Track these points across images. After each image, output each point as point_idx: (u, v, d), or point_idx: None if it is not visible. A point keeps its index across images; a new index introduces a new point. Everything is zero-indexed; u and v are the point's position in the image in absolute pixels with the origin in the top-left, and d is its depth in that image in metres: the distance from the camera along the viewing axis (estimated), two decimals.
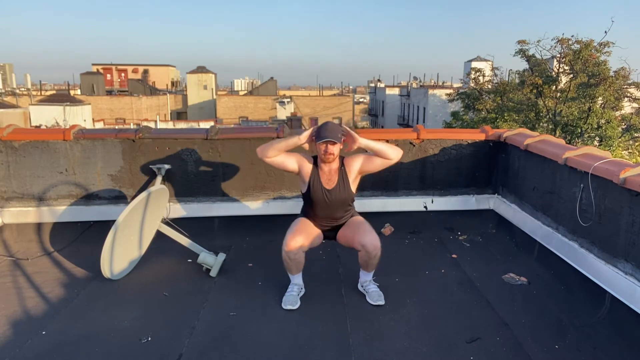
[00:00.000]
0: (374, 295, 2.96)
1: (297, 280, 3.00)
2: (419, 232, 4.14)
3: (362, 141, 2.88)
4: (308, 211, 3.07)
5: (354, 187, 3.00)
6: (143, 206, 3.28)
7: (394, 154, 2.92)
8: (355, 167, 2.96)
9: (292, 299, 2.90)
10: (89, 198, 3.96)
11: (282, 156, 2.94)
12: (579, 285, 2.99)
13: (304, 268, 2.97)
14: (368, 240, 2.88)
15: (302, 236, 2.90)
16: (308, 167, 2.95)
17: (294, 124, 30.35)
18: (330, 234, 3.10)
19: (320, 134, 2.84)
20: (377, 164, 2.96)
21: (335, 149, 2.86)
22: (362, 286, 3.06)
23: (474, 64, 27.65)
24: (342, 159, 2.99)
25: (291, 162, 2.96)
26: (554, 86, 19.75)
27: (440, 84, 49.35)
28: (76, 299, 2.98)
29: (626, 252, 2.67)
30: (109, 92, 47.70)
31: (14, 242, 3.86)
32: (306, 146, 2.99)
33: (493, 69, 23.69)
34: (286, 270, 2.96)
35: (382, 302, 2.90)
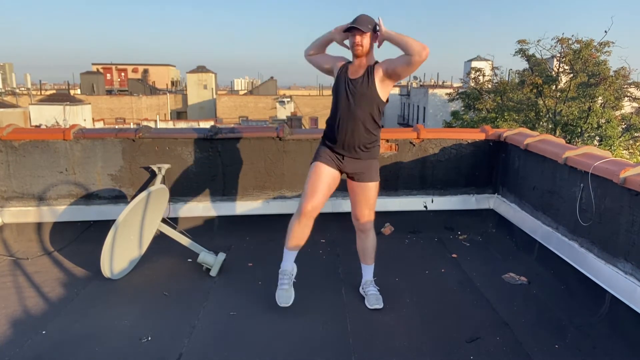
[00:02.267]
0: (372, 299, 2.92)
1: (290, 259, 2.90)
2: (419, 232, 4.15)
3: (385, 30, 2.68)
4: (327, 131, 2.89)
5: (380, 91, 2.73)
6: (143, 206, 3.28)
7: (416, 48, 2.55)
8: (382, 67, 2.72)
9: (284, 296, 2.82)
10: (89, 198, 3.96)
11: (320, 55, 2.96)
12: (578, 285, 2.99)
13: (303, 270, 2.96)
14: (366, 215, 2.88)
15: (319, 195, 2.80)
16: (341, 64, 2.87)
17: (294, 123, 30.35)
18: (346, 170, 2.90)
19: (350, 24, 2.71)
20: (400, 62, 2.64)
21: (364, 41, 2.68)
22: (362, 289, 3.04)
23: (474, 64, 27.67)
24: (374, 63, 2.78)
25: (326, 61, 2.94)
26: (554, 86, 19.76)
27: (441, 83, 49.36)
28: (76, 299, 2.98)
29: (626, 251, 2.67)
30: (109, 92, 47.73)
31: (14, 241, 3.86)
32: (339, 39, 2.87)
33: (493, 68, 23.71)
34: (286, 241, 2.86)
35: (379, 306, 2.88)
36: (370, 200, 2.93)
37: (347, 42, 2.81)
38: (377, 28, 2.71)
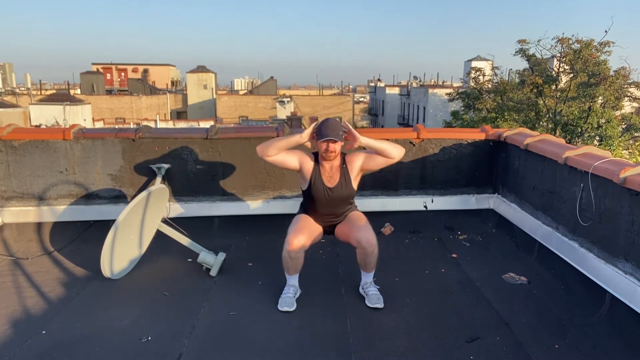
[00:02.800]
0: (373, 298, 2.93)
1: (293, 282, 2.98)
2: (419, 232, 4.14)
3: (363, 140, 2.87)
4: (308, 208, 3.06)
5: (355, 184, 3.00)
6: (143, 206, 3.28)
7: (396, 153, 2.90)
8: (357, 165, 2.96)
9: (288, 301, 2.88)
10: (89, 197, 3.96)
11: (283, 154, 2.90)
12: (578, 285, 2.99)
13: (302, 269, 2.97)
14: (363, 236, 2.87)
15: (305, 235, 2.89)
16: (309, 164, 2.93)
17: (294, 123, 30.34)
18: (330, 229, 3.10)
19: (322, 131, 2.80)
20: (379, 162, 2.94)
21: (337, 147, 2.84)
22: (362, 288, 3.04)
23: (474, 64, 27.65)
24: (343, 156, 2.98)
25: (292, 160, 2.93)
26: (554, 85, 19.75)
27: (441, 83, 49.36)
28: (76, 299, 2.98)
29: (626, 251, 2.67)
30: (109, 92, 47.72)
31: (14, 241, 3.86)
32: (308, 144, 3.00)
33: (493, 68, 23.70)
34: (284, 269, 2.95)
35: (380, 305, 2.88)
36: (361, 220, 3.00)
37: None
38: (346, 131, 2.90)
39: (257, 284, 3.21)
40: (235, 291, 3.11)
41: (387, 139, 4.08)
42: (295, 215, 3.11)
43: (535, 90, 20.01)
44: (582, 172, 3.03)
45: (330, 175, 2.93)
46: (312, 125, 2.94)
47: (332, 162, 2.93)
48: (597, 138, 18.36)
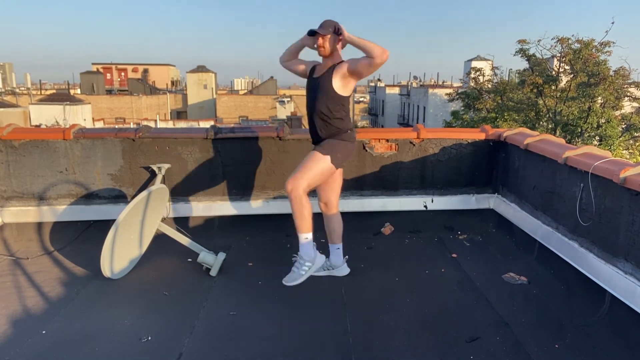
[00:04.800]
0: (287, 277, 2.93)
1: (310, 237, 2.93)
2: (419, 232, 4.14)
3: (347, 35, 2.86)
4: None
5: (339, 86, 2.89)
6: (143, 205, 3.28)
7: (377, 51, 2.72)
8: (344, 66, 2.91)
9: (292, 277, 2.92)
10: (89, 197, 3.96)
11: (294, 61, 3.19)
12: (578, 285, 2.99)
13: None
14: (291, 176, 2.84)
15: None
16: (311, 66, 3.11)
17: (294, 123, 30.32)
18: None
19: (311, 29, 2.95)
20: (362, 62, 2.81)
21: (325, 43, 2.90)
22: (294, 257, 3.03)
23: (474, 64, 27.64)
24: (340, 62, 2.97)
25: (300, 64, 3.18)
26: (554, 85, 19.76)
27: (441, 83, 49.37)
28: (76, 298, 2.98)
29: (626, 251, 2.67)
30: (109, 92, 47.73)
31: (14, 241, 3.86)
32: (310, 44, 3.08)
33: (493, 68, 23.70)
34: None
35: (288, 284, 2.89)
36: (299, 165, 2.89)
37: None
38: (339, 31, 2.88)
39: (257, 284, 3.21)
40: (235, 291, 3.11)
41: (387, 139, 4.10)
42: None
43: (535, 90, 20.02)
44: (582, 172, 3.03)
45: (320, 70, 3.01)
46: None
47: (326, 61, 2.98)
48: (597, 138, 18.36)
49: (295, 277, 2.90)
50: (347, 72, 2.88)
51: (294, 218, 2.86)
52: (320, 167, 2.88)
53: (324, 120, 2.96)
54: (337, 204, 3.17)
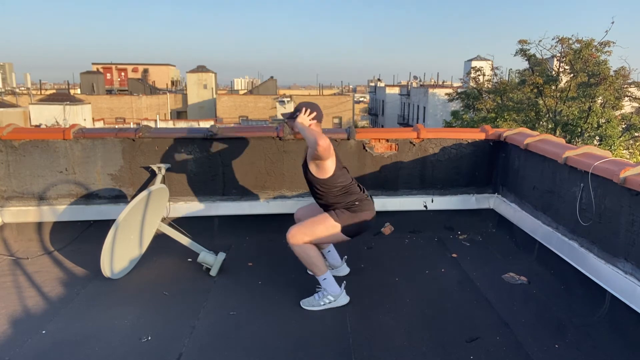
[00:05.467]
0: (306, 300, 2.93)
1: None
2: (419, 232, 4.14)
3: (297, 124, 2.85)
4: None
5: (316, 171, 2.85)
6: (143, 205, 3.28)
7: (311, 143, 2.73)
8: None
9: (308, 302, 2.92)
10: (89, 197, 3.96)
11: None
12: (578, 285, 2.99)
13: (302, 268, 2.95)
14: (293, 227, 2.87)
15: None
16: None
17: None
18: None
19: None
20: (309, 151, 2.81)
21: (293, 126, 2.92)
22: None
23: (474, 63, 27.65)
24: None
25: None
26: (554, 85, 19.76)
27: (441, 83, 49.37)
28: (76, 298, 2.98)
29: (626, 251, 2.67)
30: (109, 92, 47.72)
31: (14, 241, 3.86)
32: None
33: (493, 68, 23.70)
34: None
35: (305, 307, 2.88)
36: (309, 220, 2.90)
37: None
38: (295, 116, 2.89)
39: (257, 284, 3.21)
40: (235, 291, 3.11)
41: (387, 139, 4.10)
42: None
43: (535, 90, 20.03)
44: (582, 172, 3.03)
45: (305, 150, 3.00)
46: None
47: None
48: (597, 138, 18.37)
49: (313, 304, 2.89)
50: (307, 153, 2.88)
51: (305, 265, 2.90)
52: (327, 232, 2.87)
53: (321, 192, 2.91)
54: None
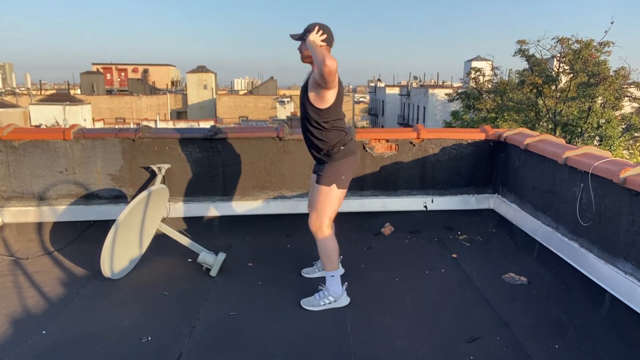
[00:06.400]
0: (306, 300, 2.93)
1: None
2: (419, 232, 4.15)
3: (308, 43, 2.67)
4: None
5: (314, 98, 2.72)
6: (143, 206, 3.28)
7: (318, 61, 2.55)
8: (312, 75, 2.75)
9: (307, 301, 2.92)
10: (89, 197, 3.96)
11: None
12: (579, 285, 2.99)
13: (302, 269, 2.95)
14: (311, 217, 2.88)
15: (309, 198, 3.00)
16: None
17: (294, 123, 30.33)
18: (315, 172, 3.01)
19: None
20: (315, 72, 2.66)
21: (301, 48, 2.79)
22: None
23: (474, 64, 27.65)
24: None
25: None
26: (554, 86, 19.76)
27: (441, 83, 49.38)
28: (76, 299, 2.98)
29: (626, 251, 2.67)
30: (109, 92, 47.73)
31: (14, 241, 3.86)
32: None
33: (493, 68, 23.70)
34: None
35: (304, 306, 2.88)
36: (314, 203, 2.91)
37: None
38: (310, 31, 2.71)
39: (257, 284, 3.21)
40: (235, 291, 3.11)
41: (387, 139, 4.10)
42: None
43: (535, 91, 20.03)
44: (582, 172, 3.03)
45: (305, 79, 2.90)
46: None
47: (312, 69, 2.81)
48: (597, 138, 18.37)
49: (314, 304, 2.89)
50: (314, 83, 2.70)
51: (320, 256, 2.91)
52: (331, 198, 2.87)
53: (313, 134, 2.82)
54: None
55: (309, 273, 3.25)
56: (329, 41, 2.74)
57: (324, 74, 2.53)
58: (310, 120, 2.80)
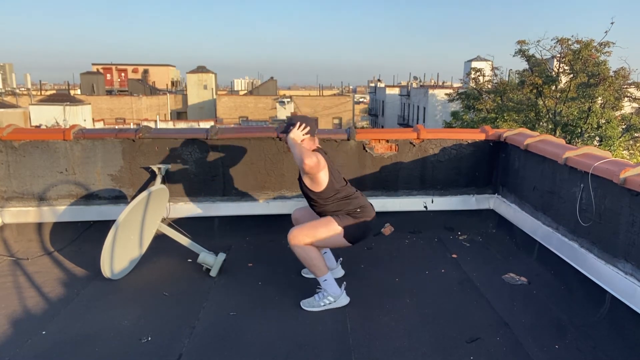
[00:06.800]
0: (306, 301, 2.92)
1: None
2: (419, 232, 4.15)
3: (289, 140, 2.86)
4: None
5: (310, 184, 2.85)
6: (143, 206, 3.28)
7: (297, 160, 2.76)
8: None
9: (309, 302, 2.92)
10: (89, 198, 3.96)
11: None
12: (579, 285, 2.99)
13: (302, 269, 2.94)
14: (292, 229, 2.87)
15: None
16: None
17: None
18: None
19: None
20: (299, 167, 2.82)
21: (286, 140, 2.90)
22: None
23: (474, 64, 27.67)
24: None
25: None
26: (554, 86, 19.77)
27: (440, 83, 49.39)
28: (76, 299, 2.98)
29: (626, 252, 2.67)
30: (109, 92, 47.72)
31: (14, 241, 3.86)
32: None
33: (493, 68, 23.71)
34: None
35: (305, 308, 2.87)
36: (311, 222, 2.90)
37: None
38: (288, 130, 2.88)
39: (257, 284, 3.21)
40: (235, 291, 3.11)
41: (387, 140, 4.10)
42: None
43: (535, 91, 20.04)
44: (582, 173, 3.04)
45: None
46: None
47: None
48: (597, 138, 18.37)
49: (313, 305, 2.88)
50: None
51: (306, 266, 2.90)
52: (329, 234, 2.85)
53: (319, 205, 2.91)
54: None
55: (308, 273, 3.25)
56: (312, 132, 2.91)
57: (305, 171, 2.74)
58: (318, 201, 2.91)
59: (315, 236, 2.83)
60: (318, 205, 2.93)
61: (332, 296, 2.87)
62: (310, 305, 2.88)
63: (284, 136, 2.96)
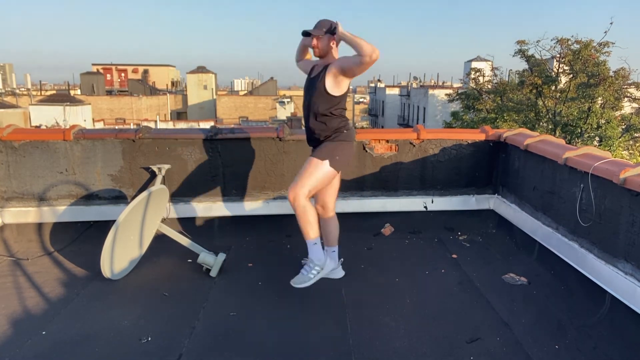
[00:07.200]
0: (295, 278, 2.93)
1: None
2: (419, 232, 4.15)
3: (340, 31, 2.79)
4: None
5: (331, 85, 2.83)
6: (143, 206, 3.28)
7: (367, 50, 2.64)
8: (337, 64, 2.85)
9: (300, 280, 2.90)
10: (89, 198, 3.96)
11: (303, 62, 3.23)
12: (579, 285, 2.99)
13: (298, 266, 2.95)
14: (290, 187, 2.85)
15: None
16: (311, 66, 3.09)
17: (294, 123, 30.33)
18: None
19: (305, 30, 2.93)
20: (352, 61, 2.74)
21: (319, 43, 2.87)
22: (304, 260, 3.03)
23: (474, 64, 27.68)
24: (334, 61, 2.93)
25: (307, 66, 3.13)
26: (554, 86, 19.78)
27: (440, 84, 49.41)
28: (76, 299, 2.98)
29: (626, 252, 2.67)
30: (109, 92, 47.73)
31: (14, 242, 3.86)
32: (308, 44, 3.06)
33: (493, 69, 23.72)
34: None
35: (296, 285, 2.88)
36: (300, 172, 2.89)
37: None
38: (334, 30, 2.84)
39: (257, 284, 3.21)
40: (235, 292, 3.11)
41: (387, 140, 4.10)
42: None
43: (534, 91, 20.04)
44: (582, 173, 3.04)
45: (315, 71, 2.99)
46: None
47: (322, 61, 2.94)
48: (597, 139, 18.38)
49: (304, 280, 2.89)
50: (338, 71, 2.81)
51: (300, 226, 2.87)
52: (319, 172, 2.86)
53: (318, 121, 2.91)
54: (334, 207, 3.13)
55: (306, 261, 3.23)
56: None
57: (368, 61, 2.64)
58: (319, 108, 2.87)
59: (311, 183, 2.84)
60: (323, 118, 2.88)
61: (318, 265, 2.88)
62: (301, 281, 2.88)
63: (326, 36, 2.85)
